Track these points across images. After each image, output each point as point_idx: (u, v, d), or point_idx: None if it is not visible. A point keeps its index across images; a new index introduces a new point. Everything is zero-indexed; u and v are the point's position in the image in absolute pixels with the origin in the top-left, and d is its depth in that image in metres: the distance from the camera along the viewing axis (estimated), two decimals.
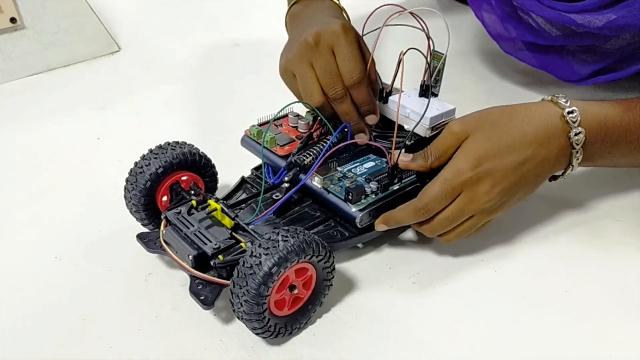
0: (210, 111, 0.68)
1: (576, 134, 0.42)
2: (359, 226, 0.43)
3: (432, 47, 0.46)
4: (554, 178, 0.46)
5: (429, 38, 0.46)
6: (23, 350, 0.39)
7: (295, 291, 0.38)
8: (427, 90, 0.48)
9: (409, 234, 0.49)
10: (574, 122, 0.42)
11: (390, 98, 0.49)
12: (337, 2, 0.57)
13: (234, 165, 0.49)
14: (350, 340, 0.40)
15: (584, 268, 0.46)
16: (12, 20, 0.72)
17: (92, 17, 0.79)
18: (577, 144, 0.43)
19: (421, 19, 0.45)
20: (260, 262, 0.35)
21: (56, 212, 0.52)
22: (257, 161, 0.50)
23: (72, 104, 0.69)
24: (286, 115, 0.52)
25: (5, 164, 0.58)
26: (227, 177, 0.51)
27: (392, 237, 0.48)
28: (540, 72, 0.67)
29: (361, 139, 0.48)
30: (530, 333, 0.40)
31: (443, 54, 0.46)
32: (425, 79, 0.48)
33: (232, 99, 0.70)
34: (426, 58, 0.46)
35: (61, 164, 0.58)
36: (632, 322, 0.41)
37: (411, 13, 0.45)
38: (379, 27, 0.45)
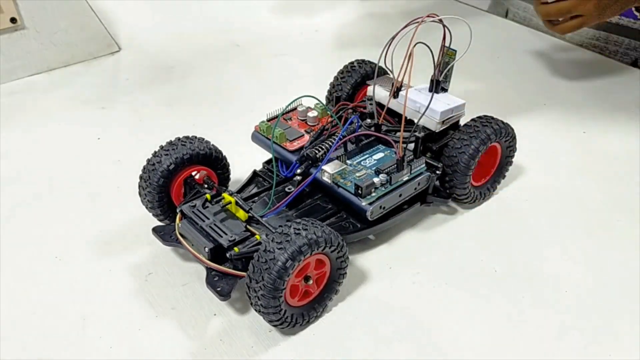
0: (210, 111, 0.68)
1: None
2: (370, 219, 0.43)
3: (445, 44, 0.47)
4: (638, 10, 0.64)
5: (444, 35, 0.46)
6: (23, 350, 0.39)
7: (310, 282, 0.39)
8: (437, 85, 0.48)
9: (409, 234, 0.49)
10: None
11: (401, 93, 0.49)
12: None
13: (232, 166, 0.49)
14: (351, 340, 0.40)
15: (584, 268, 0.46)
16: (12, 20, 0.72)
17: (92, 17, 0.79)
18: None
19: (442, 20, 0.46)
20: (274, 256, 0.36)
21: (56, 212, 0.52)
22: (258, 158, 0.51)
23: (72, 104, 0.69)
24: (295, 109, 0.52)
25: (5, 163, 0.58)
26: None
27: (401, 229, 0.48)
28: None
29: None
30: (530, 333, 0.41)
31: (455, 50, 0.47)
32: (435, 74, 0.48)
33: (232, 99, 0.70)
34: (432, 54, 0.46)
35: (61, 164, 0.58)
36: (632, 322, 0.41)
37: (440, 21, 0.45)
38: (418, 23, 0.44)
